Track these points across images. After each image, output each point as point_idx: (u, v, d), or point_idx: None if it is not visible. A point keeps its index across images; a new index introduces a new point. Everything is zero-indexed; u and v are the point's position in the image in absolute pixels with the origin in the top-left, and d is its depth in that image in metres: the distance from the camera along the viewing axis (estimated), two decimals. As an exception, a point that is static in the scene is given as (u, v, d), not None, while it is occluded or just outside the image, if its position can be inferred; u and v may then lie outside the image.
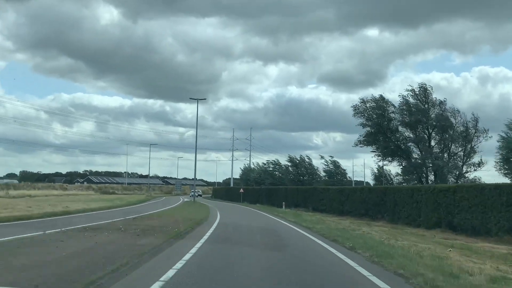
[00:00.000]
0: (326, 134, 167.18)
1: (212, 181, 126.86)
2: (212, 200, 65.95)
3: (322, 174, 47.49)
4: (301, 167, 52.40)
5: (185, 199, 62.75)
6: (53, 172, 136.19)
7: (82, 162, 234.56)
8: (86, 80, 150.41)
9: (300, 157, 54.01)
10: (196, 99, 41.64)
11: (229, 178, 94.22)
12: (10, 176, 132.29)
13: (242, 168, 77.05)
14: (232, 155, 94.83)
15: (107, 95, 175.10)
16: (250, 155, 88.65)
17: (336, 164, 46.61)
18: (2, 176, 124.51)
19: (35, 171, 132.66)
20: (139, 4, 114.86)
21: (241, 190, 51.79)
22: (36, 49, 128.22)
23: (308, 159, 53.77)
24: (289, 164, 54.97)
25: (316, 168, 52.30)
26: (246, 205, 45.64)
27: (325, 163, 47.00)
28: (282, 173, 57.38)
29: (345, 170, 46.32)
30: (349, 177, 46.30)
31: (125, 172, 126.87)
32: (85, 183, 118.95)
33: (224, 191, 70.00)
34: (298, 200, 37.26)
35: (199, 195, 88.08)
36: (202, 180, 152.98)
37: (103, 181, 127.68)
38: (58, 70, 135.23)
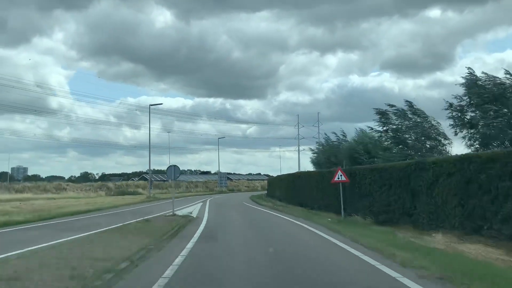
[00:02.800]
0: None
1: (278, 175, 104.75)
2: (256, 205, 31.81)
3: None
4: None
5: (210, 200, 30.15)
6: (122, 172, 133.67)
7: (152, 162, 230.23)
8: (148, 83, 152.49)
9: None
10: None
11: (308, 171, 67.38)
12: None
13: (316, 145, 42.32)
14: (298, 143, 66.84)
15: (169, 96, 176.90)
16: (318, 133, 63.54)
17: None
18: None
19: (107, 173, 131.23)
20: (189, 4, 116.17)
21: (341, 177, 16.71)
22: (98, 56, 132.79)
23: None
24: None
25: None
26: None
27: None
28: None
29: None
30: None
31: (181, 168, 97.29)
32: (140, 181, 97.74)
33: (286, 183, 34.98)
34: None
35: None
36: (266, 175, 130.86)
37: (158, 179, 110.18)
38: (121, 75, 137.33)
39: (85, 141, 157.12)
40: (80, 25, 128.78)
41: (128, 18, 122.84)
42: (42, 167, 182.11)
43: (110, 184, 71.91)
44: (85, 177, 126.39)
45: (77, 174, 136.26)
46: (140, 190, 72.95)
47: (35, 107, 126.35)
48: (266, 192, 51.29)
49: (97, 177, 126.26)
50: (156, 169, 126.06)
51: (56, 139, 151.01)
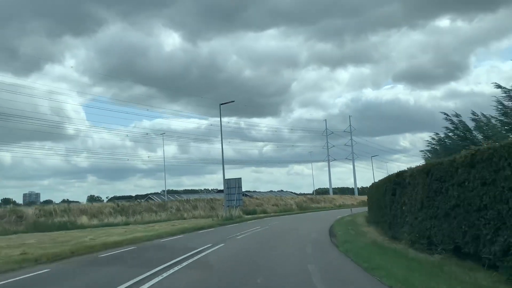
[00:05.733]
0: (413, 135, 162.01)
1: (299, 192, 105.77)
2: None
3: None
4: None
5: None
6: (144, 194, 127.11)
7: (170, 184, 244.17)
8: (161, 106, 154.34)
9: None
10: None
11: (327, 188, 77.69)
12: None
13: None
14: (328, 152, 68.27)
15: (184, 118, 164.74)
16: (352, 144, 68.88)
17: None
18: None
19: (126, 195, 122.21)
20: (196, 25, 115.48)
21: None
22: (110, 81, 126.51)
23: None
24: None
25: None
26: None
27: None
28: None
29: None
30: None
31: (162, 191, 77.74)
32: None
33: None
34: None
35: None
36: (291, 192, 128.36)
37: (166, 199, 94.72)
38: (134, 98, 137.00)
39: (102, 165, 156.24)
40: (90, 50, 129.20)
41: (137, 42, 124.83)
42: (64, 193, 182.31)
43: (30, 211, 39.07)
44: (93, 200, 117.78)
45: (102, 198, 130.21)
46: (83, 219, 40.34)
47: (52, 133, 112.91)
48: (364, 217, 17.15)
49: (105, 200, 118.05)
50: (174, 189, 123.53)
51: (74, 165, 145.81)
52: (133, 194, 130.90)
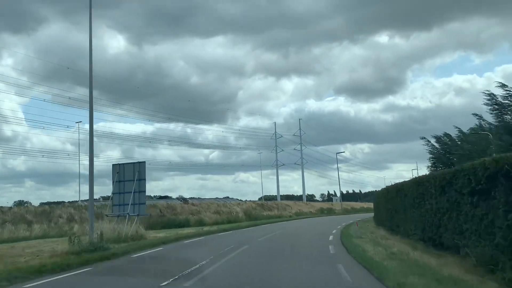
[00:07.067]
0: (353, 146, 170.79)
1: (245, 199, 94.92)
2: None
3: None
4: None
5: None
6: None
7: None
8: (105, 109, 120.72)
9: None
10: None
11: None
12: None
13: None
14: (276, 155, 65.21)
15: (128, 122, 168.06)
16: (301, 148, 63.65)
17: None
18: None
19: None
20: (141, 28, 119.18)
21: None
22: (50, 82, 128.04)
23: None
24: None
25: None
26: None
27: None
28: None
29: None
30: None
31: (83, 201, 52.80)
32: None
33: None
34: None
35: None
36: (239, 199, 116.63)
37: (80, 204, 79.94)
38: (76, 101, 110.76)
39: (41, 169, 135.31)
40: (29, 49, 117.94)
41: (80, 42, 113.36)
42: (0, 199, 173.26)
43: None
44: (20, 205, 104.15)
45: (36, 204, 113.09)
46: None
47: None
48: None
49: (35, 205, 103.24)
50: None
51: (11, 168, 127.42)
52: (72, 200, 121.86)
